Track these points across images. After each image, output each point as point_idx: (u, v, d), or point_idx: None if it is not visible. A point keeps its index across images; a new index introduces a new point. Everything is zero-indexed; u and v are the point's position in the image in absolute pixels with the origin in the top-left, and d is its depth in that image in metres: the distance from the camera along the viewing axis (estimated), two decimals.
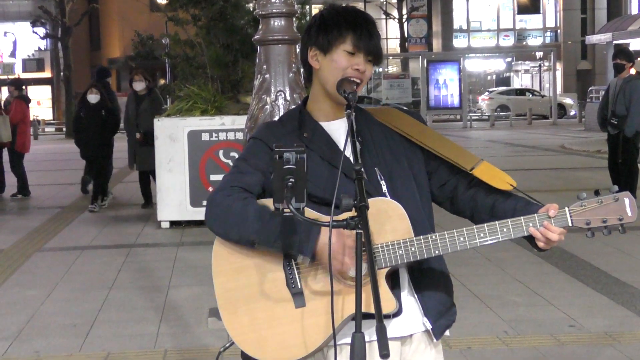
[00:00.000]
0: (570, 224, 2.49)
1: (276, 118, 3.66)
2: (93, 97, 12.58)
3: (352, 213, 2.28)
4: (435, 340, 2.62)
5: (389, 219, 2.49)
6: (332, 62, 2.59)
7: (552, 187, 14.05)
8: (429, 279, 2.61)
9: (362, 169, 2.34)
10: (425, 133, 2.70)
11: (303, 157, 2.28)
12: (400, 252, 2.48)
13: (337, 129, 2.66)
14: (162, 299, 7.11)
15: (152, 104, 12.20)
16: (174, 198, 10.67)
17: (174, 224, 10.74)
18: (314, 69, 2.64)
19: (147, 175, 12.37)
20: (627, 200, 2.49)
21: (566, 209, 2.50)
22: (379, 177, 2.59)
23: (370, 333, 2.32)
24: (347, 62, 2.57)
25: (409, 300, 2.59)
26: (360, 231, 2.26)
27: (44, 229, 11.03)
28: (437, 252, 2.49)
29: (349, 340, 2.38)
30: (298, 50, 3.95)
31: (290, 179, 2.27)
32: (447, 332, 2.68)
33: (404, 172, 2.65)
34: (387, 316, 2.48)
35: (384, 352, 2.13)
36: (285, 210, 2.28)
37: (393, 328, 2.52)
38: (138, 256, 9.05)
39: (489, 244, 2.52)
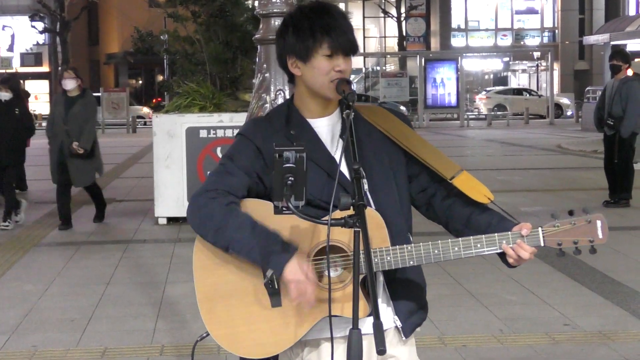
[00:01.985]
0: (542, 244, 2.54)
1: None
2: (3, 95, 10.81)
3: (350, 212, 2.34)
4: (404, 337, 2.68)
5: (367, 227, 2.52)
6: (313, 69, 2.61)
7: (548, 187, 14.09)
8: (404, 284, 2.68)
9: (360, 168, 2.39)
10: (410, 136, 2.73)
11: (303, 156, 2.31)
12: (376, 260, 2.53)
13: (324, 126, 2.69)
14: (159, 294, 7.14)
15: (85, 108, 10.52)
16: (172, 194, 10.70)
17: (171, 220, 10.76)
18: (296, 75, 2.67)
19: (95, 189, 10.97)
20: (599, 223, 2.54)
21: (539, 229, 2.55)
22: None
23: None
24: (329, 66, 2.60)
25: (382, 301, 2.66)
26: (358, 229, 2.31)
27: (42, 224, 11.04)
28: (411, 262, 2.55)
29: (321, 335, 2.53)
30: None
31: (290, 178, 2.30)
32: (417, 329, 2.75)
33: (384, 172, 2.68)
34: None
35: (381, 347, 2.19)
36: (285, 207, 2.32)
37: (367, 325, 2.55)
38: (135, 252, 9.07)
39: (463, 258, 2.57)
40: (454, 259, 2.56)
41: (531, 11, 52.74)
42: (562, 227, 2.54)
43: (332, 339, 2.42)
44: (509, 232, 2.54)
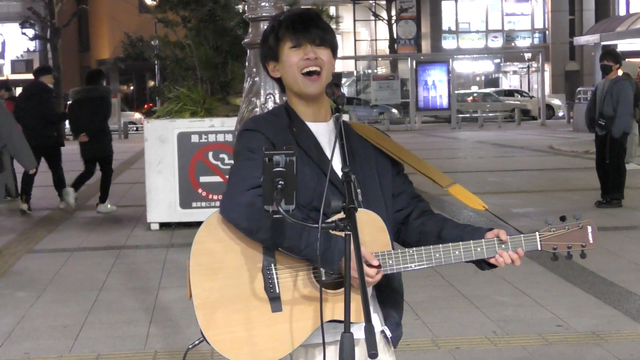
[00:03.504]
0: (539, 248, 2.64)
1: None
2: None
3: (341, 215, 2.34)
4: (393, 347, 2.73)
5: (369, 230, 2.55)
6: (285, 64, 2.67)
7: (540, 188, 14.11)
8: (390, 294, 2.71)
9: (350, 172, 2.40)
10: (404, 151, 2.78)
11: (293, 160, 2.31)
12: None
13: (320, 132, 2.71)
14: (152, 300, 7.12)
15: None
16: (164, 199, 10.68)
17: (163, 225, 10.75)
18: (281, 78, 2.72)
19: None
20: (589, 228, 2.67)
21: (536, 233, 2.64)
22: (355, 184, 2.63)
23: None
24: (296, 56, 2.65)
25: (371, 308, 2.65)
26: (349, 233, 2.30)
27: (34, 231, 11.02)
28: (413, 266, 2.57)
29: (318, 340, 2.47)
30: None
31: (280, 182, 2.29)
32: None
33: (375, 184, 2.72)
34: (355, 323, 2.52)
35: (372, 351, 2.18)
36: (275, 212, 2.31)
37: (357, 330, 2.53)
38: (128, 258, 9.06)
39: (462, 262, 2.62)
40: (455, 262, 2.60)
41: (521, 13, 52.83)
42: (558, 232, 2.64)
43: (323, 343, 2.41)
44: (509, 237, 2.61)
